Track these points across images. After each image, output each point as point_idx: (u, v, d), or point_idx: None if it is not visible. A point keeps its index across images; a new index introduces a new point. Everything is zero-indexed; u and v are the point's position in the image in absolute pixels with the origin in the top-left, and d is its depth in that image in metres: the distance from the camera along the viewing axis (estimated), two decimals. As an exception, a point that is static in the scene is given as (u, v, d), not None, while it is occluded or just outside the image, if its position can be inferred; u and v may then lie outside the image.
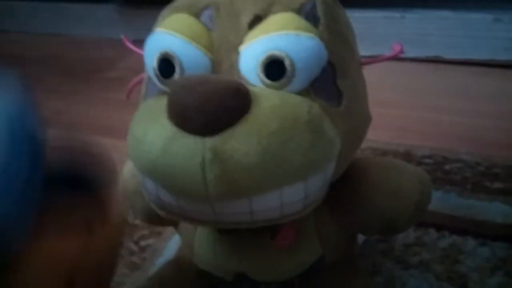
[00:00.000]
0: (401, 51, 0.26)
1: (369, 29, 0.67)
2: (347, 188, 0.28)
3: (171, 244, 0.41)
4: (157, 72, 0.23)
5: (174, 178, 0.21)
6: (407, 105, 0.60)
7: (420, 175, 0.29)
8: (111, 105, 0.66)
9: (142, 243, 0.42)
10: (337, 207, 0.28)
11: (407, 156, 0.48)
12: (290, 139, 0.21)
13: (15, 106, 0.17)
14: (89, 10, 0.94)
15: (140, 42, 0.27)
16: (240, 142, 0.20)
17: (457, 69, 0.65)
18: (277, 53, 0.21)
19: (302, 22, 0.22)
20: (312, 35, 0.22)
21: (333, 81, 0.23)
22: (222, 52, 0.23)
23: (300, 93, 0.22)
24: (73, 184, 0.20)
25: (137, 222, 0.42)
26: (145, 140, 0.21)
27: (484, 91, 0.60)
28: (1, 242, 0.16)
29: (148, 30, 0.25)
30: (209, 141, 0.20)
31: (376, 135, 0.54)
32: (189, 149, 0.20)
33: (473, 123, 0.54)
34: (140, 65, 0.29)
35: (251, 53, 0.22)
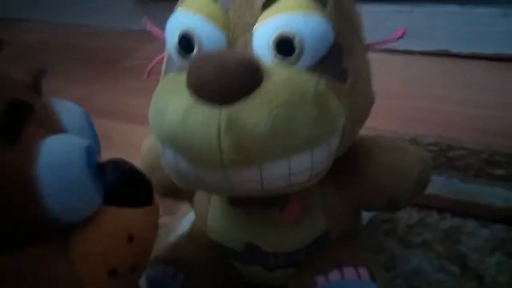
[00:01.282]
0: (403, 34, 0.27)
1: (379, 23, 0.68)
2: (351, 164, 0.30)
3: (184, 223, 0.43)
4: (178, 48, 0.25)
5: (192, 145, 0.22)
6: (415, 96, 0.61)
7: (421, 154, 0.31)
8: (130, 92, 0.69)
9: (157, 220, 0.44)
10: (342, 183, 0.30)
11: (413, 144, 0.49)
12: (298, 111, 0.22)
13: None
14: (109, 2, 0.97)
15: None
16: (252, 112, 0.22)
17: (464, 63, 0.66)
18: (287, 31, 0.23)
19: (311, 3, 0.24)
20: (320, 15, 0.24)
21: (339, 60, 0.25)
22: (237, 30, 0.25)
23: (308, 70, 0.24)
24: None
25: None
26: (166, 110, 0.23)
27: (490, 84, 0.61)
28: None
29: (164, 21, 0.27)
30: (225, 110, 0.21)
31: (384, 124, 0.56)
32: (206, 117, 0.22)
33: (478, 114, 0.55)
34: (155, 55, 0.31)
35: (264, 32, 0.24)
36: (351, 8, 0.27)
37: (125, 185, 0.24)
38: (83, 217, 0.22)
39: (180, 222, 0.43)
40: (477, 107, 0.57)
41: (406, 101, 0.60)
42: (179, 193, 0.31)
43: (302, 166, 0.24)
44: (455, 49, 0.66)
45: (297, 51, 0.23)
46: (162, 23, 0.26)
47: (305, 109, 0.23)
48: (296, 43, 0.23)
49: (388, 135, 0.51)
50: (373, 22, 0.71)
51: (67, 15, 1.01)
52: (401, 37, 0.28)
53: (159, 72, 0.29)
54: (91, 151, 0.22)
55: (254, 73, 0.22)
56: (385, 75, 0.65)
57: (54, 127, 0.23)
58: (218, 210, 0.31)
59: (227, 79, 0.21)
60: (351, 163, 0.30)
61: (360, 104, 0.27)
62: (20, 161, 0.20)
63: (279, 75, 0.23)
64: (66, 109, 0.25)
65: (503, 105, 0.56)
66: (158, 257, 0.33)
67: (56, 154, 0.21)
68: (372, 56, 0.29)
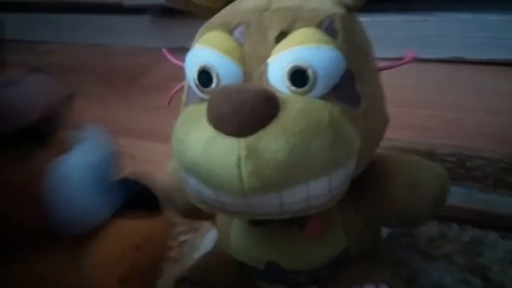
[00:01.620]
0: (413, 59, 0.28)
1: (391, 32, 0.69)
2: (368, 182, 0.30)
3: (207, 239, 0.44)
4: (197, 82, 0.26)
5: (213, 174, 0.24)
6: (430, 105, 0.61)
7: (438, 170, 0.31)
8: (149, 110, 0.70)
9: (181, 238, 0.45)
10: (360, 201, 0.30)
11: (430, 155, 0.50)
12: (314, 139, 0.23)
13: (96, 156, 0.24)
14: (124, 21, 0.99)
15: (174, 50, 0.30)
16: (270, 141, 0.23)
17: (478, 69, 0.66)
18: (300, 63, 0.24)
19: (322, 35, 0.25)
20: (331, 46, 0.25)
21: (352, 87, 0.26)
22: (252, 64, 0.26)
23: (322, 98, 0.25)
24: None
25: (175, 220, 0.45)
26: (188, 141, 0.25)
27: (504, 90, 0.61)
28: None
29: (181, 39, 0.28)
30: (244, 141, 0.23)
31: (400, 134, 0.56)
32: (226, 148, 0.23)
33: (494, 121, 0.55)
34: (173, 72, 0.32)
35: (278, 64, 0.25)
36: (361, 35, 0.28)
37: (133, 200, 0.26)
38: (92, 229, 0.24)
39: (203, 239, 0.45)
40: (493, 114, 0.56)
41: (421, 110, 0.61)
42: (201, 214, 0.32)
43: (320, 190, 0.25)
44: (468, 56, 0.66)
45: (310, 81, 0.24)
46: (177, 40, 0.28)
47: (321, 136, 0.24)
48: (310, 74, 0.24)
49: (404, 146, 0.51)
50: (386, 31, 0.72)
51: (84, 35, 1.04)
52: (410, 62, 0.28)
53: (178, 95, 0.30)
54: (97, 168, 0.23)
55: (270, 106, 0.23)
56: (399, 84, 0.66)
57: (65, 148, 0.25)
58: (240, 229, 0.32)
59: (245, 114, 0.22)
60: (369, 181, 0.30)
61: (375, 126, 0.28)
62: (28, 178, 0.22)
63: (294, 105, 0.24)
64: (84, 133, 0.27)
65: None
66: (183, 277, 0.34)
67: (62, 172, 0.23)
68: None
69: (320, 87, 0.25)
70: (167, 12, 0.91)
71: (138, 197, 0.26)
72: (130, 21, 0.98)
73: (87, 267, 0.23)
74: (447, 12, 0.66)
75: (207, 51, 0.26)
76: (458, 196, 0.43)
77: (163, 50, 0.33)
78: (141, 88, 0.82)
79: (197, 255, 0.42)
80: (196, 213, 0.31)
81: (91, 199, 0.23)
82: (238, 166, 0.23)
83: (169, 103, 0.33)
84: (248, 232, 0.31)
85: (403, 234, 0.40)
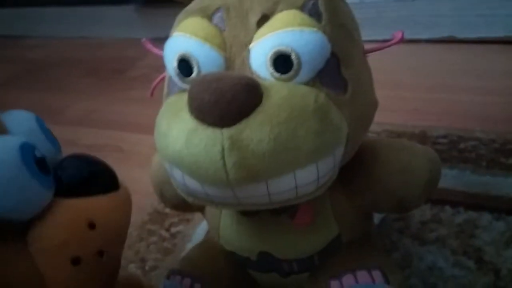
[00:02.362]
0: (402, 39, 0.27)
1: (382, 13, 0.68)
2: (359, 168, 0.30)
3: (199, 230, 0.44)
4: (177, 72, 0.25)
5: (197, 167, 0.23)
6: (422, 87, 0.60)
7: (429, 154, 0.30)
8: (137, 102, 0.70)
9: (173, 229, 0.45)
10: (350, 187, 0.30)
11: (423, 137, 0.49)
12: (299, 126, 0.22)
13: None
14: (109, 12, 0.97)
15: (160, 40, 0.29)
16: (254, 131, 0.22)
17: (471, 48, 0.65)
18: (283, 48, 0.23)
19: (305, 18, 0.24)
20: (315, 29, 0.24)
21: (338, 71, 0.25)
22: (234, 50, 0.25)
23: (307, 83, 0.24)
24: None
25: (167, 210, 0.45)
26: (170, 133, 0.24)
27: (499, 69, 0.60)
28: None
29: (167, 28, 0.27)
30: (227, 132, 0.22)
31: (392, 118, 0.55)
32: (209, 140, 0.22)
33: (487, 101, 0.54)
34: (159, 63, 0.31)
35: (260, 50, 0.24)
36: (347, 16, 0.27)
37: (82, 176, 0.25)
38: (35, 213, 0.23)
39: (195, 229, 0.44)
40: (487, 93, 0.56)
41: (413, 92, 0.60)
42: (190, 206, 0.32)
43: (308, 179, 0.24)
44: (461, 35, 0.65)
45: (294, 67, 0.23)
46: (164, 30, 0.27)
47: (306, 123, 0.23)
48: (293, 59, 0.23)
49: (396, 129, 0.51)
50: (376, 13, 0.71)
51: (70, 28, 1.02)
52: (399, 42, 0.27)
53: (162, 86, 0.29)
54: (28, 148, 0.22)
55: (252, 94, 0.22)
56: (390, 66, 0.65)
57: None
58: (230, 220, 0.31)
59: (226, 103, 0.22)
60: (359, 167, 0.30)
61: (363, 111, 0.27)
62: None
63: (278, 92, 0.23)
64: (12, 118, 0.25)
65: (513, 90, 0.55)
66: (175, 269, 0.33)
67: None
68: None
69: (305, 73, 0.24)
70: (150, 2, 0.89)
71: (91, 176, 0.25)
72: (115, 11, 0.96)
73: (35, 253, 0.23)
74: (437, -9, 0.65)
75: (185, 38, 0.25)
76: (451, 179, 0.43)
77: (143, 40, 0.31)
78: (128, 80, 0.80)
79: (190, 246, 0.42)
80: (186, 205, 0.30)
81: (26, 180, 0.22)
82: (222, 157, 0.22)
83: (151, 95, 0.32)
84: (238, 223, 0.31)
85: (395, 219, 0.40)
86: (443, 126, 0.50)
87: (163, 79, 0.30)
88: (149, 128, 0.27)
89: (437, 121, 0.52)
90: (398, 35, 0.28)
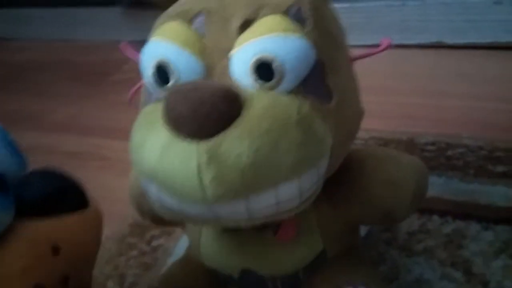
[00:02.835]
0: (389, 46, 0.26)
1: (371, 18, 0.67)
2: (345, 180, 0.29)
3: (181, 243, 0.42)
4: (154, 79, 0.24)
5: (172, 182, 0.22)
6: (410, 92, 0.60)
7: (416, 164, 0.30)
8: (120, 107, 0.68)
9: (154, 243, 0.43)
10: (336, 200, 0.29)
11: (410, 144, 0.48)
12: (281, 139, 0.21)
13: None
14: (94, 14, 0.95)
15: (146, 43, 0.28)
16: (233, 144, 0.21)
17: (460, 54, 0.64)
18: (265, 55, 0.22)
19: (290, 23, 0.23)
20: (299, 35, 0.23)
21: (322, 79, 0.24)
22: (214, 57, 0.24)
23: (291, 92, 0.23)
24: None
25: (147, 223, 0.43)
26: (144, 147, 0.23)
27: (487, 74, 0.59)
28: None
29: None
30: (204, 145, 0.21)
31: (380, 124, 0.54)
32: (185, 154, 0.21)
33: (476, 106, 0.54)
34: None
35: (242, 57, 0.23)
36: (332, 21, 0.26)
37: (47, 194, 0.23)
38: None
39: (177, 243, 0.43)
40: (476, 99, 0.55)
41: (402, 98, 0.59)
42: (170, 221, 0.30)
43: (290, 193, 0.23)
44: (450, 41, 0.65)
45: (277, 75, 0.22)
46: (149, 32, 0.26)
47: (289, 135, 0.22)
48: (276, 66, 0.22)
49: (383, 136, 0.50)
50: (365, 18, 0.70)
51: (54, 31, 1.00)
52: (386, 49, 0.26)
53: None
54: None
55: (231, 105, 0.21)
56: (379, 72, 0.64)
57: None
58: (210, 236, 0.30)
59: (204, 115, 0.20)
60: (344, 178, 0.29)
61: (349, 121, 0.26)
62: None
63: (260, 102, 0.22)
64: None
65: (502, 97, 0.55)
66: (154, 287, 0.32)
67: None
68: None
69: (288, 81, 0.23)
70: (137, 3, 0.88)
71: (58, 192, 0.23)
72: (99, 14, 0.94)
73: None
74: (426, -4, 0.65)
75: (163, 44, 0.24)
76: (439, 187, 0.42)
77: (122, 44, 0.30)
78: (114, 84, 0.79)
79: (171, 260, 0.40)
80: (165, 220, 0.29)
81: None
82: (199, 172, 0.21)
83: (130, 102, 0.30)
84: (218, 239, 0.30)
85: (382, 230, 0.39)
86: (432, 133, 0.50)
87: (142, 86, 0.29)
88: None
89: (426, 127, 0.52)
90: (385, 42, 0.27)
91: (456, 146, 0.47)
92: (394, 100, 0.59)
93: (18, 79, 0.86)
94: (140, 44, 0.29)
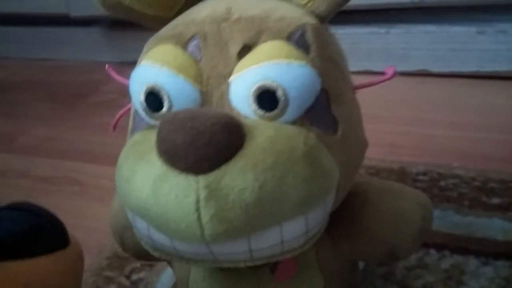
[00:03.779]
0: (394, 74, 0.25)
1: (355, 45, 0.68)
2: (347, 215, 0.27)
3: (163, 278, 0.39)
4: (145, 106, 0.22)
5: (166, 220, 0.19)
6: (396, 120, 0.59)
7: (421, 199, 0.28)
8: (99, 130, 0.65)
9: (134, 277, 0.40)
10: (338, 237, 0.27)
11: (402, 174, 0.47)
12: (288, 173, 0.20)
13: None
14: (73, 34, 0.93)
15: (127, 65, 0.26)
16: (235, 178, 0.19)
17: (444, 82, 0.65)
18: (268, 83, 0.21)
19: (293, 50, 0.21)
20: (303, 62, 0.21)
21: (327, 109, 0.23)
22: (211, 83, 0.22)
23: (295, 122, 0.21)
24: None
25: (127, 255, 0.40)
26: (134, 179, 0.20)
27: (472, 103, 0.60)
28: None
29: (135, 52, 0.24)
30: (202, 179, 0.19)
31: (368, 152, 0.54)
32: (181, 188, 0.19)
33: (462, 136, 0.54)
34: (126, 88, 0.28)
35: (242, 84, 0.21)
36: (335, 48, 0.25)
37: (22, 232, 0.20)
38: None
39: (159, 277, 0.40)
40: (460, 129, 0.55)
41: (388, 126, 0.59)
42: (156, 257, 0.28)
43: (296, 232, 0.21)
44: (434, 69, 0.65)
45: (281, 104, 0.21)
46: (130, 54, 0.24)
47: (295, 169, 0.20)
48: (279, 95, 0.21)
49: (373, 164, 0.49)
50: (349, 44, 0.70)
51: (29, 49, 0.97)
52: (391, 77, 0.25)
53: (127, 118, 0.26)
54: None
55: (233, 135, 0.19)
56: (364, 99, 0.64)
57: None
58: (200, 274, 0.28)
59: (203, 146, 0.18)
60: (346, 213, 0.27)
61: (354, 152, 0.25)
62: None
63: (263, 132, 0.20)
64: None
65: (487, 126, 0.55)
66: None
67: None
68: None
69: (292, 111, 0.21)
70: (117, 24, 0.86)
71: (33, 231, 0.20)
72: (78, 33, 0.92)
73: None
74: (410, 25, 0.65)
75: (155, 68, 0.22)
76: (434, 219, 0.40)
77: (107, 67, 0.28)
78: (91, 105, 0.75)
79: (152, 297, 0.37)
80: (149, 255, 0.26)
81: None
82: (197, 209, 0.19)
83: (114, 129, 0.28)
84: (210, 278, 0.27)
85: (379, 264, 0.37)
86: (421, 162, 0.49)
87: (128, 111, 0.27)
88: (112, 159, 0.23)
89: (413, 156, 0.51)
90: (390, 71, 0.25)
91: (448, 177, 0.46)
92: (380, 127, 0.58)
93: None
94: (119, 65, 0.27)
